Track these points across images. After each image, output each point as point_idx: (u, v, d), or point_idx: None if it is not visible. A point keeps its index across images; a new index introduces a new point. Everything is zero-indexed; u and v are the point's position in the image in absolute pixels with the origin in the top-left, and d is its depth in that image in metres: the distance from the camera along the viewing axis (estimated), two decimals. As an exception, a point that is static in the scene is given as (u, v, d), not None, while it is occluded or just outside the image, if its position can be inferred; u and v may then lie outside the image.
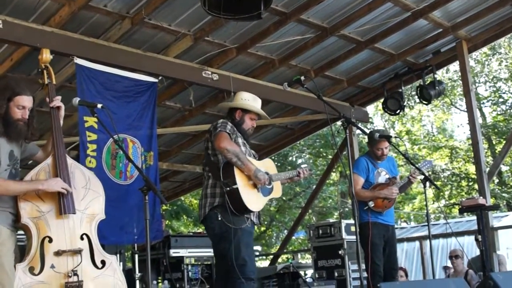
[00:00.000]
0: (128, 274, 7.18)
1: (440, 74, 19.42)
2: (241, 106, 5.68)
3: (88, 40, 7.16)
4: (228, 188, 5.23)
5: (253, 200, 5.35)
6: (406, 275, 10.36)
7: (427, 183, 6.86)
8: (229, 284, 5.24)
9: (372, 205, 6.95)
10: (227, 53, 8.42)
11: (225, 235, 5.29)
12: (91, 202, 4.66)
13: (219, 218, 5.30)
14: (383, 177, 7.18)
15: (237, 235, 5.24)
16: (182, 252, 9.00)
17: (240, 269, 5.18)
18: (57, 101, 4.77)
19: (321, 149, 22.24)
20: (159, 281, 9.32)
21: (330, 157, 16.16)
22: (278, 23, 7.92)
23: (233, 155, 5.24)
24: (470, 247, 13.31)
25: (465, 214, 11.76)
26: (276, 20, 7.88)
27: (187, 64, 8.21)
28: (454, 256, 10.11)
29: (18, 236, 4.53)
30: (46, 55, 4.96)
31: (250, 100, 5.69)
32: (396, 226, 20.37)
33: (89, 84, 6.97)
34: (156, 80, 7.74)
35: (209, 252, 9.38)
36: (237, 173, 5.26)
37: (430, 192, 21.75)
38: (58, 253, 4.32)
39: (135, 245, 7.59)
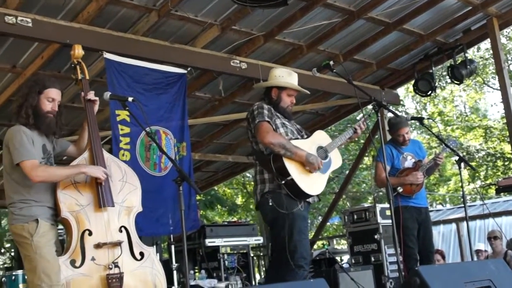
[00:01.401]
0: (165, 265, 7.25)
1: (471, 53, 19.21)
2: (275, 84, 5.50)
3: (116, 35, 7.21)
4: (283, 182, 5.08)
5: (313, 183, 5.22)
6: (444, 257, 10.27)
7: (462, 164, 6.82)
8: (280, 271, 5.15)
9: (401, 190, 6.92)
10: (255, 41, 8.40)
11: (277, 220, 5.16)
12: (128, 194, 4.73)
13: (270, 204, 5.15)
14: (409, 161, 7.15)
15: (289, 220, 5.09)
16: (217, 242, 9.07)
17: (290, 255, 5.06)
18: (92, 95, 4.83)
19: (353, 134, 22.07)
20: (196, 270, 9.38)
21: (362, 141, 16.04)
22: (305, 9, 7.87)
23: (280, 148, 5.09)
24: (508, 227, 13.19)
25: (502, 194, 11.62)
26: (302, 5, 7.83)
27: (215, 54, 8.21)
28: (492, 237, 10.00)
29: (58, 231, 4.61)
30: (78, 51, 4.99)
31: (284, 76, 5.51)
32: (431, 208, 20.27)
33: (119, 78, 7.02)
34: (185, 71, 7.76)
35: (244, 240, 9.44)
36: (287, 163, 5.10)
37: (465, 173, 21.53)
38: (98, 246, 4.41)
39: (171, 236, 7.64)
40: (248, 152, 12.91)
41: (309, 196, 5.23)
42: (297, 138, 5.38)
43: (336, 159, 5.54)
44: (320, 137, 5.55)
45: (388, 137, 10.11)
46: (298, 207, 5.16)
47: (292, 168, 5.11)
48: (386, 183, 5.51)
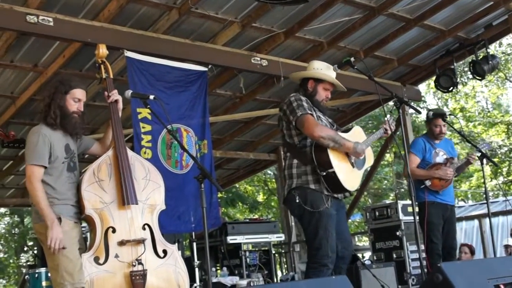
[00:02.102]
0: (187, 263, 7.28)
1: (493, 48, 19.04)
2: (313, 76, 5.43)
3: (137, 33, 7.24)
4: (324, 173, 5.03)
5: (351, 179, 5.20)
6: (472, 252, 10.13)
7: (484, 160, 6.81)
8: (307, 267, 5.16)
9: (429, 184, 6.92)
10: (275, 38, 8.38)
11: (303, 217, 5.16)
12: (151, 192, 4.75)
13: (297, 201, 5.13)
14: (441, 157, 7.13)
15: (315, 218, 5.07)
16: (239, 239, 9.08)
17: (314, 253, 5.07)
18: (115, 95, 4.86)
19: (374, 130, 21.96)
20: (218, 268, 9.41)
21: (383, 138, 16.04)
22: (325, 5, 7.84)
23: (329, 141, 5.04)
24: (531, 223, 13.02)
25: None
26: (322, 2, 7.81)
27: (236, 51, 8.22)
28: (515, 233, 9.93)
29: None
30: (103, 50, 5.02)
31: (323, 69, 5.44)
32: (453, 205, 20.09)
33: (140, 76, 7.05)
34: (206, 69, 7.78)
35: (266, 238, 9.45)
36: (331, 155, 5.06)
37: (488, 169, 21.37)
38: (121, 243, 4.43)
39: (193, 233, 7.67)
40: (269, 149, 12.93)
41: (346, 190, 5.21)
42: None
43: (369, 157, 5.53)
44: (358, 133, 5.51)
45: (410, 134, 10.10)
46: (325, 206, 5.09)
47: (335, 161, 5.07)
48: (408, 177, 5.51)
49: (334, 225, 5.18)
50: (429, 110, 7.20)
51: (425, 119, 7.36)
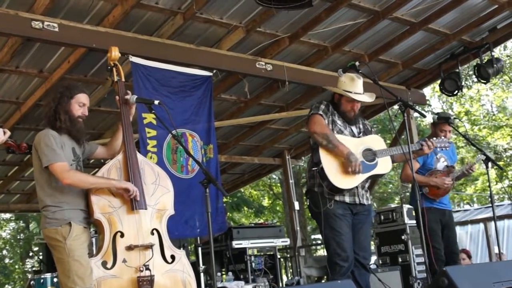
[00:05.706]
0: (192, 267, 7.29)
1: (497, 52, 19.02)
2: (332, 90, 5.65)
3: (141, 38, 7.25)
4: (314, 168, 5.28)
5: (345, 178, 5.27)
6: (469, 257, 10.16)
7: (489, 163, 6.78)
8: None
9: (426, 191, 6.86)
10: (280, 43, 8.39)
11: (315, 218, 5.51)
12: (160, 197, 4.78)
13: (308, 203, 5.50)
14: (441, 164, 7.06)
15: (320, 218, 5.32)
16: (244, 244, 9.08)
17: (326, 252, 5.33)
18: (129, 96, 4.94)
19: (379, 134, 21.96)
20: (223, 272, 9.41)
21: (388, 141, 15.95)
22: (329, 10, 7.84)
23: (323, 138, 5.22)
24: (537, 226, 13.02)
25: (530, 193, 11.52)
26: (327, 6, 7.81)
27: (241, 56, 8.22)
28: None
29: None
30: (115, 53, 5.06)
31: (346, 83, 5.50)
32: (459, 208, 20.06)
33: (145, 81, 7.07)
34: (211, 74, 7.79)
35: (271, 242, 9.44)
36: (322, 153, 5.24)
37: (493, 172, 21.31)
38: (129, 248, 4.45)
39: (198, 238, 7.67)
40: (274, 153, 12.94)
41: (337, 188, 5.24)
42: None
43: (383, 166, 5.56)
44: (373, 141, 5.60)
45: (415, 138, 10.08)
46: (326, 206, 5.29)
47: (325, 158, 5.24)
48: (412, 181, 5.55)
49: (346, 226, 5.36)
50: (434, 113, 7.16)
51: (430, 122, 7.30)
